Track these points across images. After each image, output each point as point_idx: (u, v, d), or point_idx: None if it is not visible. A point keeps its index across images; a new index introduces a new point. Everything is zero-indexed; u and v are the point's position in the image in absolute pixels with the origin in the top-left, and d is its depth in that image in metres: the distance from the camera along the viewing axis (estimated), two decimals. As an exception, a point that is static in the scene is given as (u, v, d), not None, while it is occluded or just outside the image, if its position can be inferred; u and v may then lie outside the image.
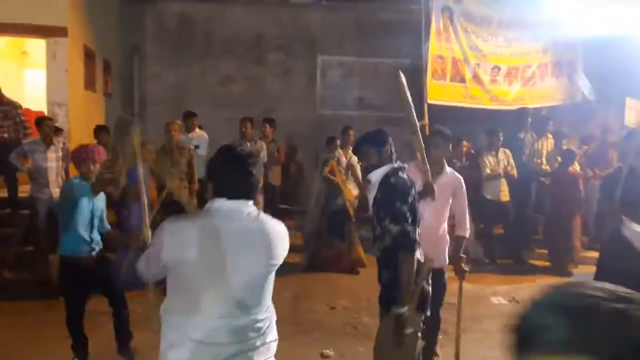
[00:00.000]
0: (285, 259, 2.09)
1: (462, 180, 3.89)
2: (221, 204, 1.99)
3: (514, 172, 7.25)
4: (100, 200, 4.05)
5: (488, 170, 7.17)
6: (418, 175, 3.49)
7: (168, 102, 10.58)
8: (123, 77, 10.79)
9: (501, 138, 7.29)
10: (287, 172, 8.83)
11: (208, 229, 1.95)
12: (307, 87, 11.06)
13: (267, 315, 2.04)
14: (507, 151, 7.32)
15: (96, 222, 3.96)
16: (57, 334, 4.10)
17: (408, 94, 3.35)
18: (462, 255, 3.79)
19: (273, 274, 2.06)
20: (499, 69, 7.81)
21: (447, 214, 3.83)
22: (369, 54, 10.87)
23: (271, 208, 7.69)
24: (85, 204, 3.86)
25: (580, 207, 7.28)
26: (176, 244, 1.92)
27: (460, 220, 3.89)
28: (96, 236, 3.97)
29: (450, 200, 3.82)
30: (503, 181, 7.23)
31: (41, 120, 6.48)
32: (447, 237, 3.87)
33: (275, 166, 7.86)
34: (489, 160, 7.23)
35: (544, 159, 7.67)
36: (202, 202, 7.14)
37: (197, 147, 7.33)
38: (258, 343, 1.98)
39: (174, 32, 10.88)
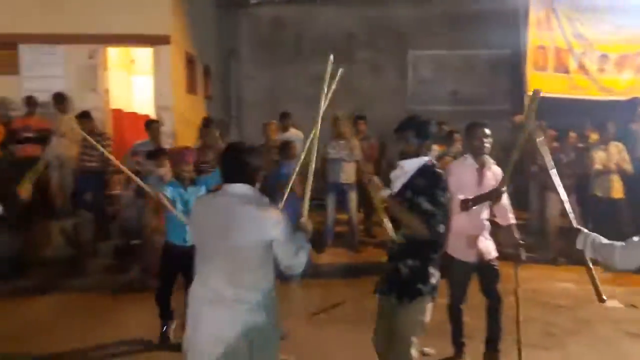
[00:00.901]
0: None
1: (500, 171, 3.83)
2: (223, 186, 2.56)
3: (629, 166, 6.70)
4: (195, 194, 4.28)
5: (598, 166, 6.69)
6: (467, 171, 3.73)
7: (263, 103, 10.95)
8: (221, 80, 11.31)
9: (612, 130, 6.77)
10: (379, 168, 8.79)
11: (208, 204, 2.62)
12: (397, 83, 10.97)
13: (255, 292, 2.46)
14: (620, 145, 6.79)
15: None
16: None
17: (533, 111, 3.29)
18: (520, 242, 3.78)
19: (264, 252, 2.44)
20: (607, 57, 7.28)
21: (487, 205, 3.83)
22: (462, 46, 10.57)
23: (366, 205, 7.72)
24: (176, 198, 4.28)
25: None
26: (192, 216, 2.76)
27: (503, 210, 3.87)
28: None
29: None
30: (615, 177, 6.71)
31: (150, 123, 6.97)
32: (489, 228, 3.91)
33: (368, 163, 7.85)
34: (598, 155, 6.75)
35: (661, 152, 7.02)
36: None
37: (292, 145, 7.48)
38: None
39: (267, 35, 11.24)
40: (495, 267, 3.88)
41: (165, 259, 4.43)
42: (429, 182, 2.93)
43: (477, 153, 3.79)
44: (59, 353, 4.28)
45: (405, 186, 2.99)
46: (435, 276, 3.02)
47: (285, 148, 6.26)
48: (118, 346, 4.42)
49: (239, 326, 2.41)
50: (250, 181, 2.53)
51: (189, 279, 4.24)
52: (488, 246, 3.86)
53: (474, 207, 3.68)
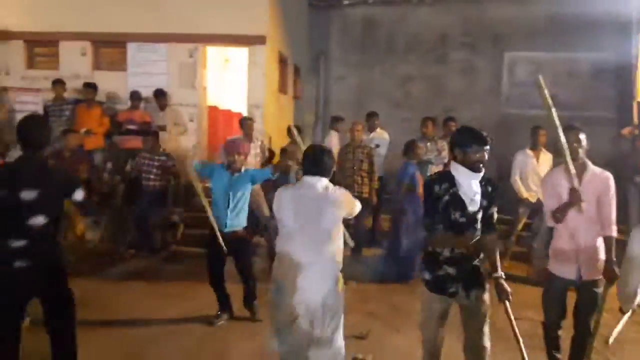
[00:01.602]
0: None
1: (611, 179, 3.48)
2: (304, 179, 3.19)
3: None
4: (242, 185, 4.54)
5: None
6: (565, 179, 3.43)
7: (350, 103, 11.01)
8: (309, 80, 11.50)
9: None
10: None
11: (296, 194, 3.18)
12: (491, 85, 10.59)
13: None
14: None
15: (233, 204, 4.52)
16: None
17: (548, 97, 3.40)
18: (613, 259, 3.40)
19: (339, 228, 3.19)
20: None
21: (597, 219, 3.45)
22: (563, 48, 10.00)
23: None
24: (220, 187, 4.51)
25: None
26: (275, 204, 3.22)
27: (608, 220, 3.46)
28: (235, 216, 4.56)
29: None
30: None
31: (244, 120, 7.23)
32: (601, 245, 3.50)
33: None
34: None
35: None
36: (380, 198, 7.29)
37: (377, 146, 7.46)
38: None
39: (357, 35, 11.28)
40: (595, 291, 3.47)
41: (212, 245, 4.54)
42: (495, 191, 3.11)
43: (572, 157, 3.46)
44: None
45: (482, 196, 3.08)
46: None
47: (411, 147, 6.29)
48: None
49: (321, 290, 3.09)
50: (327, 175, 3.19)
51: (244, 269, 4.71)
52: (590, 265, 3.47)
53: (563, 218, 3.43)
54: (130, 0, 8.40)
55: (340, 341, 3.27)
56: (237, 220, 4.59)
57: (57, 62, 8.76)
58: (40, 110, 8.09)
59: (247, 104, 8.65)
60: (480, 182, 3.04)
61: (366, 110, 8.35)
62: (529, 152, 6.85)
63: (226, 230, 4.51)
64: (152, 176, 6.90)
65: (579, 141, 3.45)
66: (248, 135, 6.87)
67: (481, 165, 2.98)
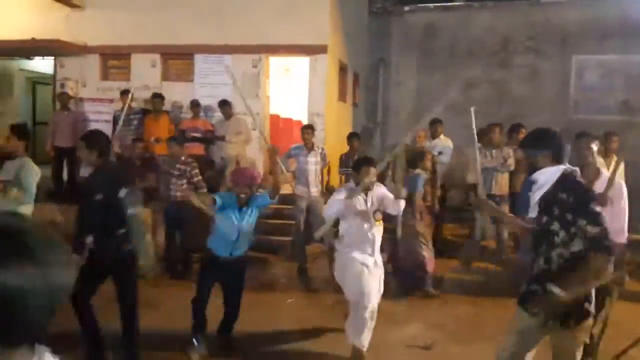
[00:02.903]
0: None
1: (623, 187, 3.58)
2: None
3: None
4: (252, 219, 4.24)
5: None
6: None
7: (409, 110, 10.95)
8: (368, 88, 11.52)
9: None
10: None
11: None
12: (558, 90, 10.22)
13: None
14: None
15: (243, 237, 4.22)
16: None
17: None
18: (622, 266, 3.48)
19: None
20: None
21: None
22: (637, 51, 9.53)
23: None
24: (229, 214, 4.16)
25: None
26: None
27: (618, 227, 3.42)
28: (239, 242, 4.23)
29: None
30: None
31: (304, 128, 7.32)
32: None
33: (521, 174, 7.41)
34: None
35: None
36: (442, 206, 7.19)
37: (440, 153, 7.37)
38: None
39: (418, 41, 11.19)
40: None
41: (209, 269, 4.30)
42: (578, 194, 2.63)
43: (581, 164, 3.41)
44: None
45: (550, 202, 2.70)
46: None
47: (420, 158, 6.17)
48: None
49: (380, 282, 4.23)
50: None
51: (233, 295, 4.38)
52: None
53: None
54: (197, 15, 8.74)
55: None
56: (242, 249, 4.34)
57: (129, 74, 9.24)
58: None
59: (308, 112, 8.77)
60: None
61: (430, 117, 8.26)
62: (600, 159, 6.58)
63: (236, 256, 4.29)
64: (172, 186, 6.43)
65: (589, 148, 3.54)
66: (309, 143, 6.95)
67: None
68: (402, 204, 4.30)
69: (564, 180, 2.70)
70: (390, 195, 4.25)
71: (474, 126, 3.71)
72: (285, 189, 7.64)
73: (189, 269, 6.52)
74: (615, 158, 6.72)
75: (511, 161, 6.87)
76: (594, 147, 3.57)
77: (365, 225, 4.16)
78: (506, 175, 6.82)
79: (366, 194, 4.21)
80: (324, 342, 4.61)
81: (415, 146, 6.92)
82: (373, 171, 4.20)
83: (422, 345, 4.54)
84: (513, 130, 7.30)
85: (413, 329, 4.94)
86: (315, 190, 6.91)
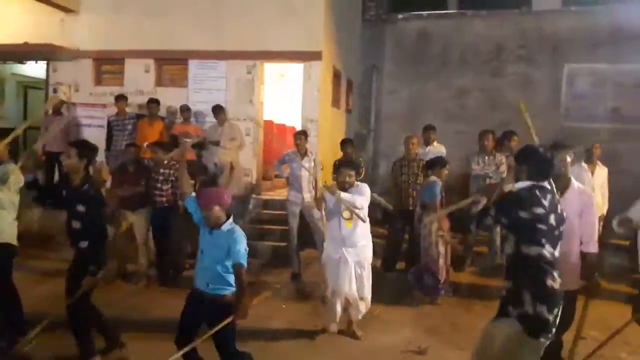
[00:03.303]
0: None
1: (591, 196, 3.76)
2: None
3: None
4: (217, 248, 3.41)
5: None
6: None
7: (402, 117, 11.00)
8: (361, 94, 11.57)
9: None
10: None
11: None
12: (550, 97, 10.32)
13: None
14: None
15: (206, 263, 3.49)
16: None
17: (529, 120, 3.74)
18: (595, 274, 3.56)
19: None
20: None
21: (577, 232, 3.61)
22: (627, 60, 9.68)
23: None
24: (201, 239, 3.55)
25: None
26: None
27: (588, 237, 3.64)
28: (209, 277, 3.47)
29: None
30: None
31: (297, 134, 7.33)
32: (579, 257, 3.67)
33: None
34: None
35: None
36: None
37: (433, 160, 7.40)
38: None
39: (411, 48, 11.28)
40: (570, 300, 3.45)
41: (189, 306, 3.57)
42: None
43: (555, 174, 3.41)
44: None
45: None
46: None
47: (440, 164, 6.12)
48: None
49: (351, 277, 4.72)
50: None
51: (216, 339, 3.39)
52: (566, 276, 3.25)
53: None
54: (191, 20, 8.76)
55: None
56: (214, 285, 3.42)
57: (123, 79, 9.21)
58: (106, 125, 8.52)
59: (301, 118, 8.79)
60: None
61: (419, 124, 8.31)
62: (584, 165, 6.73)
63: (201, 289, 3.49)
64: (156, 192, 6.25)
65: (563, 160, 3.61)
66: (302, 149, 6.96)
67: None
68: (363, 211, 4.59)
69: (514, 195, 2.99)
70: (358, 199, 4.49)
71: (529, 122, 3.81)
72: (279, 195, 7.69)
73: (180, 273, 6.50)
74: (599, 164, 6.88)
75: (503, 168, 6.94)
76: (568, 158, 3.68)
77: (334, 222, 4.65)
78: (498, 182, 6.86)
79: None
80: (316, 345, 4.61)
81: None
82: (350, 173, 4.57)
83: (417, 349, 4.54)
84: (505, 137, 7.38)
85: (407, 333, 4.95)
86: (308, 196, 6.92)
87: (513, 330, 2.89)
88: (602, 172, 7.03)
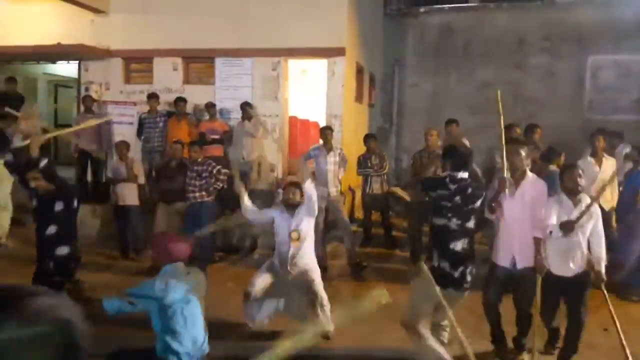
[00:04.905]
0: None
1: (544, 186, 4.18)
2: None
3: None
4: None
5: None
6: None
7: (424, 111, 11.07)
8: (384, 89, 11.66)
9: None
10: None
11: None
12: (573, 90, 10.30)
13: None
14: None
15: (172, 326, 3.17)
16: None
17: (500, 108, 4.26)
18: (540, 255, 4.02)
19: None
20: None
21: (531, 217, 4.09)
22: (653, 51, 9.61)
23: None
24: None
25: None
26: None
27: (535, 222, 4.07)
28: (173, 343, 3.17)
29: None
30: None
31: (323, 130, 7.49)
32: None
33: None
34: None
35: None
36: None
37: (457, 154, 7.49)
38: None
39: (433, 42, 11.33)
40: (528, 276, 4.13)
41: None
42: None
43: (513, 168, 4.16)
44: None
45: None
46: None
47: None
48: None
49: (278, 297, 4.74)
50: None
51: None
52: (522, 255, 4.17)
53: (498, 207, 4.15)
54: (218, 19, 8.95)
55: None
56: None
57: (152, 77, 9.47)
58: (136, 122, 8.79)
59: (325, 113, 8.93)
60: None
61: (441, 117, 8.38)
62: (590, 159, 6.63)
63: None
64: (191, 188, 6.55)
65: (517, 153, 4.16)
66: (328, 143, 7.10)
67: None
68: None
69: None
70: (305, 222, 4.68)
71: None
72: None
73: (211, 264, 6.72)
74: (605, 156, 6.75)
75: (527, 161, 6.98)
76: (523, 152, 4.18)
77: (282, 241, 4.73)
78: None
79: (291, 214, 4.71)
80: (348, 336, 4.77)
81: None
82: (294, 191, 4.73)
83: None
84: (528, 130, 7.40)
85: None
86: (334, 190, 7.08)
87: (424, 277, 3.60)
88: (609, 164, 6.87)
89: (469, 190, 3.76)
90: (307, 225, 4.72)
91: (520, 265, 4.13)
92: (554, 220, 4.01)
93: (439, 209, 3.78)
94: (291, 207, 4.70)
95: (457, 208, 3.73)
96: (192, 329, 3.19)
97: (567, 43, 10.33)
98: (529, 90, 10.26)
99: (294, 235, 4.65)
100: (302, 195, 4.71)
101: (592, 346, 4.58)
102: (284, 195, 4.78)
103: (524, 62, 10.61)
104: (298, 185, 4.79)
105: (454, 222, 3.73)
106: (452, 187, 3.73)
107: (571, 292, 4.13)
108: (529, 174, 4.20)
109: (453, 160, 3.85)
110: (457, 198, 3.72)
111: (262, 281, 4.69)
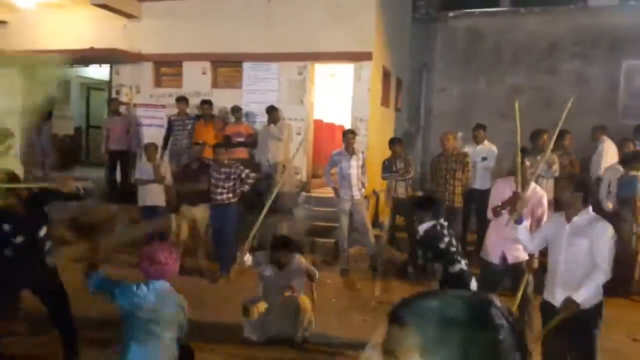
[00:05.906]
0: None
1: (545, 197, 4.57)
2: None
3: None
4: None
5: None
6: (509, 188, 4.35)
7: (452, 115, 10.95)
8: (410, 93, 11.58)
9: None
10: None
11: None
12: (606, 95, 10.05)
13: None
14: None
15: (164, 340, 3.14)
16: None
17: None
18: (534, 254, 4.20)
19: None
20: None
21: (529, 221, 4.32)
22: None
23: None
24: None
25: None
26: None
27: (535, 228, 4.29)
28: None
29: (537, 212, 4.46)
30: None
31: (346, 133, 7.47)
32: None
33: (567, 180, 7.33)
34: None
35: None
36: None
37: (484, 159, 7.39)
38: None
39: (462, 47, 11.21)
40: (519, 270, 4.33)
41: None
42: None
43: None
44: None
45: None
46: None
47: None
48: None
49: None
50: None
51: None
52: (512, 252, 4.53)
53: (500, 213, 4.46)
54: (245, 23, 9.05)
55: None
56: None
57: (181, 81, 9.63)
58: (165, 124, 8.95)
59: (351, 117, 8.92)
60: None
61: (469, 122, 8.28)
62: (619, 167, 6.50)
63: None
64: (218, 189, 6.59)
65: (523, 163, 4.36)
66: (350, 147, 7.09)
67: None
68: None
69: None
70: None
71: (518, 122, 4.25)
72: (328, 192, 7.85)
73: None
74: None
75: (556, 167, 6.85)
76: (527, 163, 4.58)
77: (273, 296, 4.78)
78: (551, 181, 6.80)
79: (280, 270, 4.78)
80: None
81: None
82: (283, 254, 4.73)
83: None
84: (559, 136, 7.25)
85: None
86: (358, 194, 7.06)
87: None
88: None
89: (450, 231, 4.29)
90: (298, 280, 4.84)
91: (511, 261, 4.48)
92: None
93: (451, 256, 4.11)
94: (282, 265, 4.79)
95: (458, 248, 4.19)
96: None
97: (599, 48, 10.10)
98: (560, 95, 10.02)
99: (288, 292, 4.76)
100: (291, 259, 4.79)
101: (621, 356, 4.45)
102: (272, 256, 4.78)
103: (555, 67, 10.41)
104: (285, 246, 4.78)
105: (465, 263, 4.13)
106: (446, 232, 4.17)
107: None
108: (532, 183, 4.40)
109: (433, 209, 4.26)
110: (453, 240, 4.19)
111: (260, 306, 4.72)
